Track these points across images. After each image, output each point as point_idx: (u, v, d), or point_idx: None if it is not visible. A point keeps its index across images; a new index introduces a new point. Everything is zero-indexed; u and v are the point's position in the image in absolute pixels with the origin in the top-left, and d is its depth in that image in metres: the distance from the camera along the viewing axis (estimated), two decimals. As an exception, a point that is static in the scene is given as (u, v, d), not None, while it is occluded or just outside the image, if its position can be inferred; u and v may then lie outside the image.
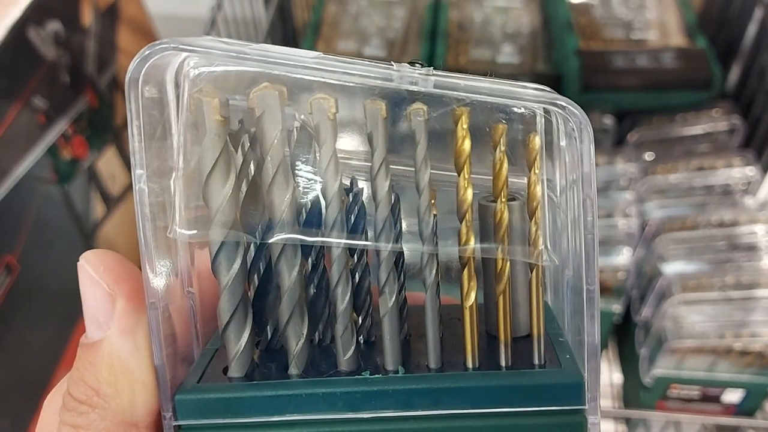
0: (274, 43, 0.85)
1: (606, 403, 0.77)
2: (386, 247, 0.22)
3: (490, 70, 0.21)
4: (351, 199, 0.23)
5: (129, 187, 0.79)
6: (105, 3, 0.78)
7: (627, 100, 0.82)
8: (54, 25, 0.69)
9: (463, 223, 0.22)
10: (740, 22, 0.85)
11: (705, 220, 0.72)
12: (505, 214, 0.22)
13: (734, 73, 0.86)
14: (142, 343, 0.22)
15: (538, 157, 0.22)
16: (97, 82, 0.76)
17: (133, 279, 0.23)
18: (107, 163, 0.77)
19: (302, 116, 0.21)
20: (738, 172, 0.75)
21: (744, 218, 0.72)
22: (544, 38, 0.89)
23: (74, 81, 0.72)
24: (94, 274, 0.22)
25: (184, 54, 0.21)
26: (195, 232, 0.22)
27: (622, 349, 0.79)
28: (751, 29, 0.83)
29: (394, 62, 0.20)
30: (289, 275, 0.22)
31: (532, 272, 0.23)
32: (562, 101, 0.20)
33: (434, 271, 0.23)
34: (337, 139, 0.21)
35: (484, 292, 0.24)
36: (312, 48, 0.86)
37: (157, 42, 0.19)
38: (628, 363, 0.76)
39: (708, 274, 0.69)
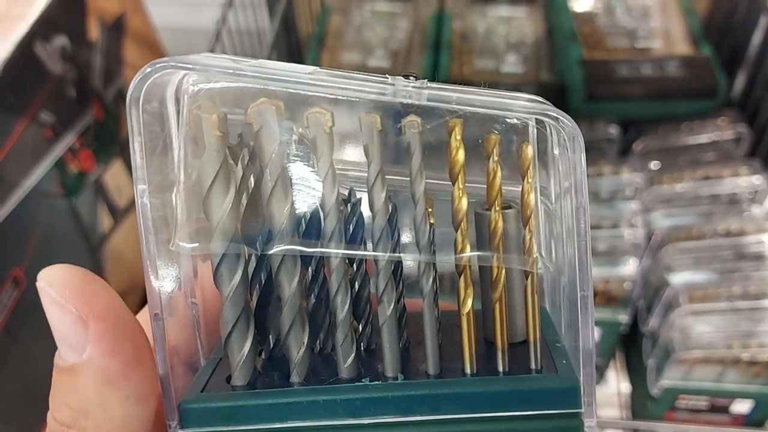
0: (279, 54, 0.85)
1: (614, 413, 0.77)
2: (384, 256, 0.22)
3: (484, 81, 0.21)
4: (349, 210, 0.23)
5: (135, 200, 0.79)
6: (111, 17, 0.79)
7: (632, 109, 0.82)
8: (61, 40, 0.69)
9: (459, 231, 0.22)
10: (745, 30, 0.85)
11: (711, 230, 0.72)
12: (500, 223, 0.22)
13: (740, 81, 0.86)
14: (132, 359, 0.22)
15: (530, 166, 0.22)
16: (104, 96, 0.77)
17: (102, 296, 0.22)
18: (114, 175, 0.78)
19: (300, 129, 0.22)
20: (744, 181, 0.74)
21: (751, 227, 0.71)
22: (548, 48, 0.89)
23: (81, 95, 0.73)
24: (59, 298, 0.21)
25: (183, 71, 0.21)
26: (197, 244, 0.23)
27: (629, 359, 0.79)
28: (757, 37, 0.82)
29: (389, 75, 0.20)
30: (289, 285, 0.22)
31: (527, 279, 0.23)
32: (554, 112, 0.21)
33: (431, 280, 0.23)
34: (333, 151, 0.21)
35: (482, 300, 0.25)
36: (317, 60, 0.87)
37: (157, 60, 0.20)
38: (636, 373, 0.76)
39: (715, 284, 0.69)
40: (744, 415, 0.68)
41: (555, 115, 0.20)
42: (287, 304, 0.23)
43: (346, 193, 0.23)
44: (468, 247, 0.22)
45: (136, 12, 0.83)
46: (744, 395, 0.66)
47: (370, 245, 0.23)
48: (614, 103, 0.81)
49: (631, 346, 0.78)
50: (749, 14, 0.84)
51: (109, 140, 0.77)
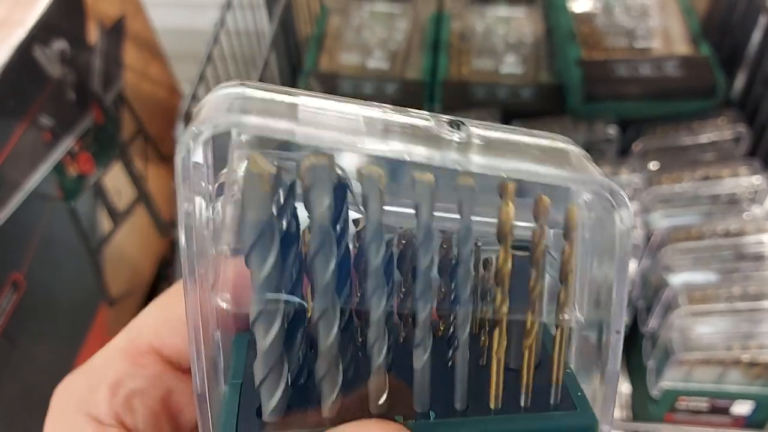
0: (277, 55, 0.85)
1: (615, 414, 0.77)
2: (426, 309, 0.22)
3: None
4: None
5: (135, 202, 0.79)
6: (110, 20, 0.78)
7: (630, 109, 0.82)
8: (60, 44, 0.68)
9: (500, 289, 0.22)
10: (744, 29, 0.85)
11: (711, 230, 0.72)
12: (540, 282, 0.23)
13: (739, 81, 0.86)
14: None
15: (575, 228, 0.23)
16: (103, 99, 0.76)
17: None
18: (113, 178, 0.77)
19: (348, 178, 0.21)
20: (744, 181, 0.74)
21: (751, 228, 0.72)
22: (547, 48, 0.88)
23: (80, 98, 0.72)
24: None
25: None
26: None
27: (629, 360, 0.79)
28: (756, 36, 0.82)
29: (431, 116, 0.20)
30: (327, 338, 0.22)
31: (557, 330, 0.24)
32: (618, 192, 0.21)
33: (467, 331, 0.23)
34: (383, 211, 0.21)
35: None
36: (315, 60, 0.86)
37: (203, 119, 0.19)
38: (636, 374, 0.76)
39: (715, 285, 0.69)
40: (744, 417, 0.68)
41: (620, 195, 0.21)
42: (324, 354, 0.23)
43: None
44: (506, 306, 0.22)
45: (135, 15, 0.82)
46: (745, 396, 0.67)
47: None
48: (613, 103, 0.81)
49: (630, 347, 0.78)
50: (748, 13, 0.84)
51: (108, 143, 0.77)
